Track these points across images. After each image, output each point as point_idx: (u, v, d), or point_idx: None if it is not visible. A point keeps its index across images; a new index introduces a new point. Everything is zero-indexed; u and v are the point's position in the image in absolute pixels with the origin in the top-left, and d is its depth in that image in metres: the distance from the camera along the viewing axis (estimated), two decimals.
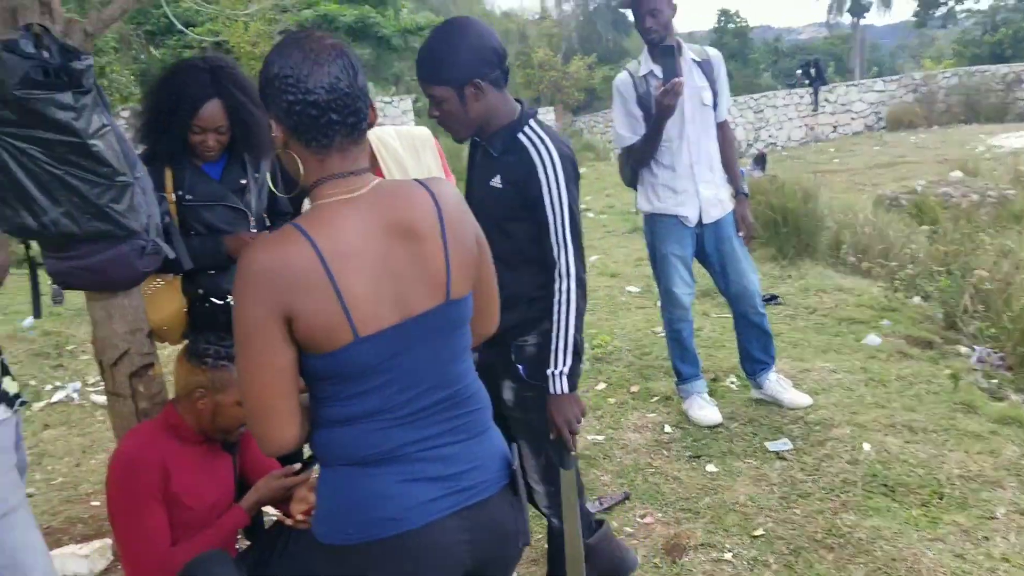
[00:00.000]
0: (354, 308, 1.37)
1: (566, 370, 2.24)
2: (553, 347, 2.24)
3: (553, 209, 2.18)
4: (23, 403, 1.93)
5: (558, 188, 2.18)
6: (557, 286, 2.23)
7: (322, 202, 1.44)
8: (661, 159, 3.85)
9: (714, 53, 3.99)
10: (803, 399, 4.02)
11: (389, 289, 1.41)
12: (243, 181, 2.82)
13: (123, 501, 2.21)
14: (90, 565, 3.15)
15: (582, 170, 14.92)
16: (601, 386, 4.61)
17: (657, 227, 3.97)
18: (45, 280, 2.34)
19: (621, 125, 3.90)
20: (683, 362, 4.06)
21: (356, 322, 1.37)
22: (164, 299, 2.76)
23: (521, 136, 2.22)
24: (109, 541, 3.27)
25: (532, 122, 2.25)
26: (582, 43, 45.53)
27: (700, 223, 3.89)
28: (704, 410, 3.97)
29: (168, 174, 2.73)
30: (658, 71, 3.78)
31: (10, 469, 1.81)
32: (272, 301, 1.34)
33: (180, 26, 15.10)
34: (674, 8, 3.78)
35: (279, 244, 1.37)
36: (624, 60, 40.28)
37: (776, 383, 4.07)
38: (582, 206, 12.31)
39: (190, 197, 2.74)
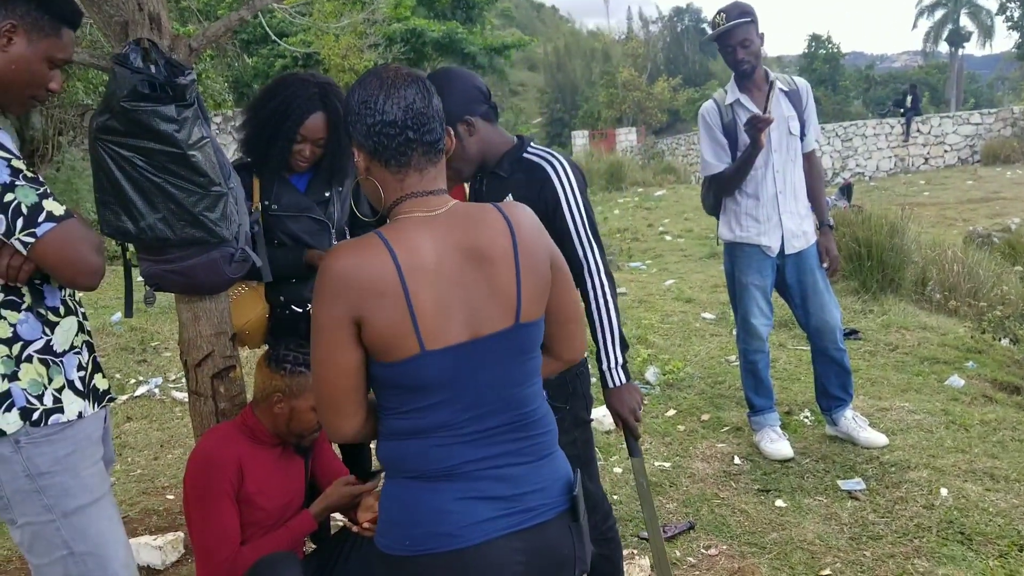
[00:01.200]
0: (423, 321, 1.42)
1: (620, 361, 2.33)
2: (601, 343, 2.33)
3: (571, 212, 2.28)
4: (111, 399, 2.02)
5: (573, 191, 2.28)
6: (589, 284, 2.31)
7: (402, 217, 1.50)
8: (745, 187, 3.82)
9: (802, 83, 3.95)
10: (879, 439, 3.92)
11: (460, 308, 1.45)
12: (327, 194, 2.90)
13: (199, 497, 2.29)
14: (163, 556, 3.26)
15: (661, 192, 14.88)
16: (671, 412, 4.57)
17: (738, 256, 3.93)
18: (137, 280, 2.44)
19: (707, 153, 3.89)
20: (757, 394, 4.00)
21: (424, 335, 1.42)
22: (248, 305, 2.85)
23: (527, 155, 2.35)
24: (182, 535, 3.38)
25: (533, 144, 2.40)
26: (668, 64, 45.34)
27: (782, 253, 3.85)
28: (776, 443, 3.91)
29: (256, 183, 2.83)
30: (745, 100, 3.77)
31: (97, 461, 1.90)
32: (346, 303, 1.41)
33: (274, 36, 15.59)
34: (762, 37, 3.77)
35: (360, 250, 1.44)
36: (709, 83, 40.01)
37: (852, 421, 3.97)
38: (660, 229, 12.27)
39: (276, 207, 2.84)
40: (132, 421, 5.05)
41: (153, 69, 2.15)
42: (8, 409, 1.75)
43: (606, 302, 2.31)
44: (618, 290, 7.36)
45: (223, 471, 2.27)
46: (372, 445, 2.97)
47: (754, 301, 3.90)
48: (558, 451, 1.60)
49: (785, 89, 3.85)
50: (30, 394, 1.77)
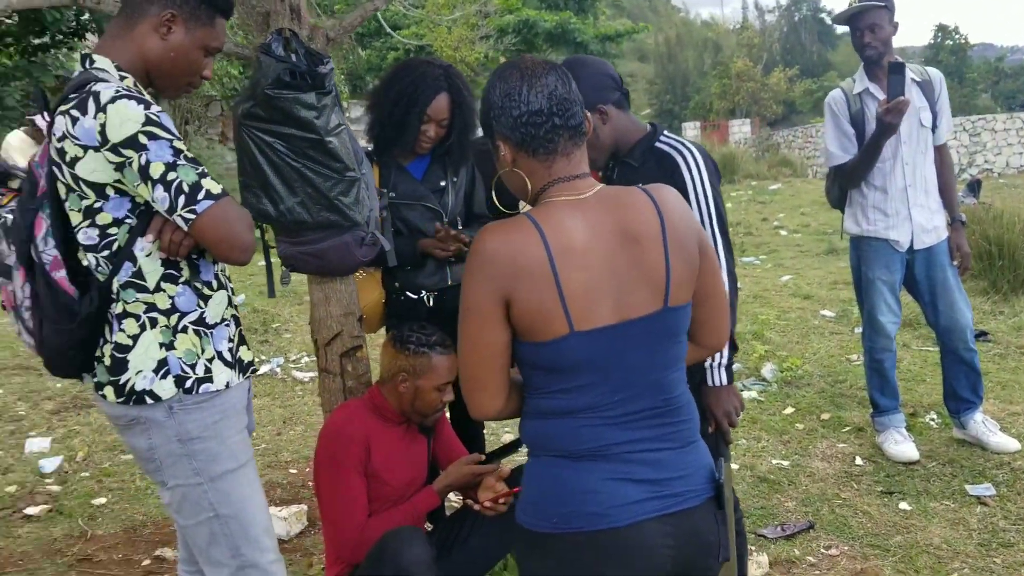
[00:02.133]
0: (572, 302, 1.43)
1: (725, 362, 2.28)
2: None
3: (699, 204, 2.24)
4: (254, 371, 2.12)
5: (702, 183, 2.24)
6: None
7: (551, 200, 1.51)
8: (873, 180, 3.69)
9: (935, 73, 3.80)
10: (1011, 443, 3.73)
11: (609, 290, 1.46)
12: (442, 183, 2.96)
13: (329, 470, 2.38)
14: (287, 527, 3.40)
15: (776, 186, 14.47)
16: (789, 410, 4.46)
17: (865, 250, 3.80)
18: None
19: (832, 143, 3.77)
20: (882, 393, 3.87)
21: (573, 316, 1.43)
22: (365, 289, 2.94)
23: (659, 144, 2.32)
24: (305, 507, 3.52)
25: (666, 133, 2.36)
26: (784, 55, 44.07)
27: (911, 248, 3.71)
28: (900, 445, 3.77)
29: (375, 171, 2.92)
30: (874, 89, 3.65)
31: (241, 429, 2.00)
32: (496, 283, 1.44)
33: (388, 29, 15.90)
34: (895, 26, 3.65)
35: (511, 231, 1.46)
36: (828, 74, 38.75)
37: (982, 424, 3.80)
38: (775, 223, 11.96)
39: (393, 195, 2.91)
40: (256, 398, 5.26)
41: (294, 58, 2.24)
42: (164, 376, 1.85)
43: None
44: None
45: (352, 445, 2.36)
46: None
47: (881, 297, 3.76)
48: (700, 440, 1.59)
49: (917, 79, 3.70)
50: (184, 363, 1.87)
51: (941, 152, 3.77)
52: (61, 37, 13.07)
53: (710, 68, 42.88)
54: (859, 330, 5.94)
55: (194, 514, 1.93)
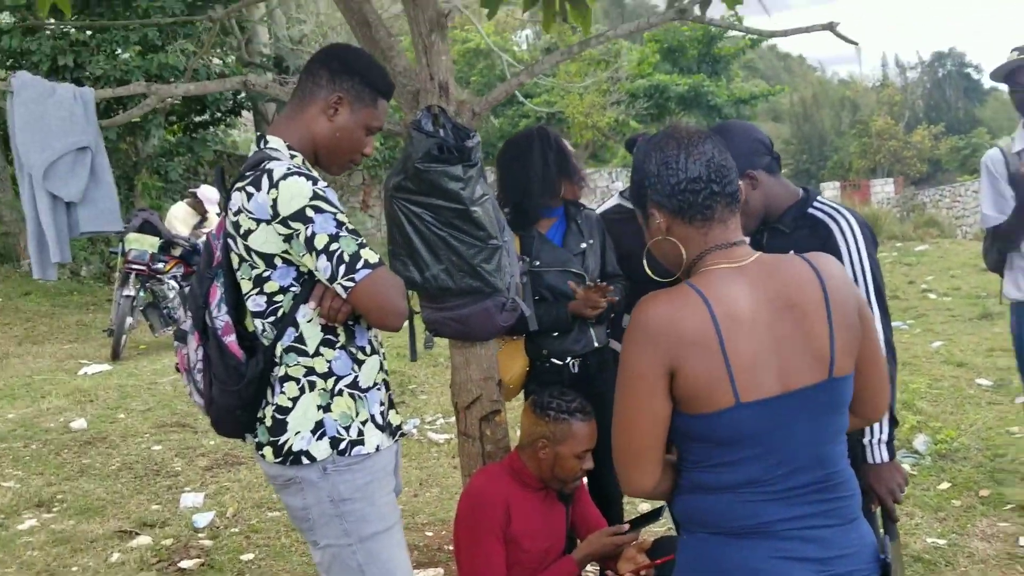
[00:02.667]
0: (738, 372, 1.41)
1: (884, 437, 2.18)
2: None
3: (856, 272, 2.17)
4: (403, 434, 2.18)
5: (859, 251, 2.18)
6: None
7: (710, 268, 1.51)
8: None
9: None
10: None
11: (773, 359, 1.44)
12: (582, 245, 3.01)
13: (469, 533, 2.41)
14: None
15: (923, 247, 13.81)
16: (944, 486, 4.20)
17: None
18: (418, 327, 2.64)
19: (988, 204, 3.59)
20: None
21: (739, 386, 1.41)
22: (510, 358, 2.99)
23: (812, 211, 2.28)
24: (442, 571, 3.55)
25: (821, 198, 2.31)
26: (928, 111, 42.49)
27: None
28: None
29: (516, 241, 3.00)
30: None
31: (390, 492, 2.05)
32: (661, 353, 1.43)
33: (521, 97, 16.32)
34: None
35: (676, 300, 1.46)
36: (976, 130, 37.03)
37: None
38: (923, 286, 11.42)
39: (537, 263, 2.98)
40: None
41: (442, 133, 2.35)
42: (320, 437, 1.93)
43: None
44: None
45: (493, 509, 2.39)
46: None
47: None
48: (862, 516, 1.53)
49: None
50: (340, 425, 1.95)
51: None
52: (220, 115, 14.15)
53: (848, 127, 41.79)
54: (1022, 400, 5.56)
55: (343, 574, 1.98)
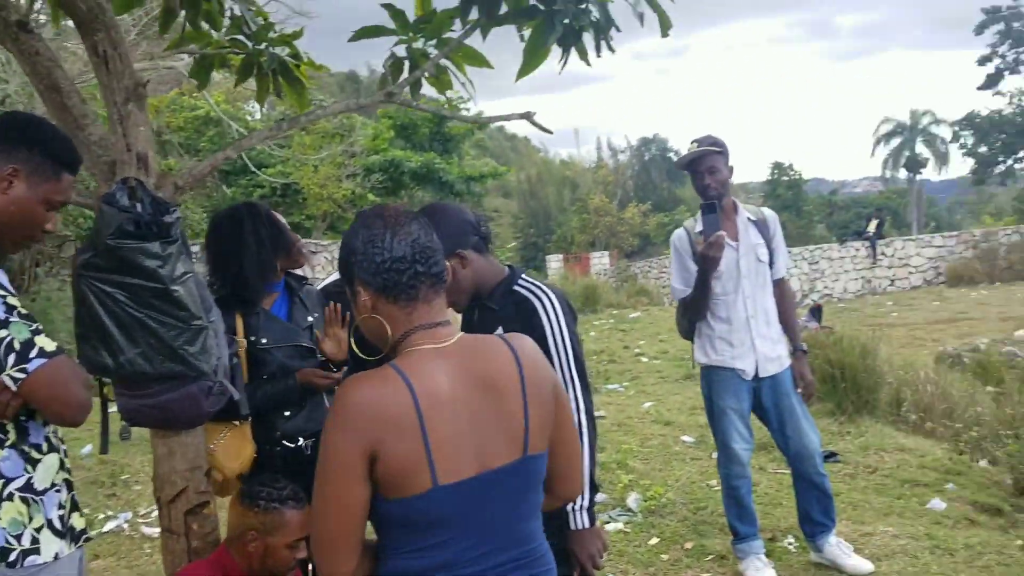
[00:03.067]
0: (437, 455, 1.41)
1: (586, 504, 2.27)
2: None
3: (557, 348, 2.29)
4: (87, 539, 1.97)
5: (560, 328, 2.30)
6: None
7: (414, 349, 1.51)
8: (718, 312, 3.90)
9: (769, 213, 4.08)
10: (865, 565, 3.86)
11: (471, 440, 1.45)
12: (309, 319, 2.94)
13: None
14: None
15: (636, 314, 14.94)
16: (654, 541, 4.48)
17: (714, 380, 3.96)
18: (112, 412, 2.41)
19: (676, 279, 3.99)
20: (740, 520, 3.96)
21: (437, 469, 1.41)
22: (237, 445, 2.79)
23: (517, 288, 2.39)
24: None
25: (524, 276, 2.44)
26: (637, 191, 46.65)
27: (757, 377, 3.88)
28: (761, 572, 3.84)
29: (239, 320, 2.86)
30: None
31: None
32: (360, 437, 1.40)
33: (253, 168, 15.90)
34: (731, 168, 3.93)
35: (377, 381, 1.45)
36: (678, 208, 41.11)
37: (837, 547, 3.93)
38: (636, 350, 12.30)
39: (264, 341, 2.85)
40: (100, 559, 4.86)
41: (139, 207, 2.20)
42: None
43: (582, 441, 2.27)
44: (597, 414, 7.31)
45: None
46: None
47: (732, 425, 3.91)
48: None
49: (753, 219, 3.98)
50: (9, 534, 1.72)
51: (780, 286, 4.03)
52: None
53: (570, 204, 44.81)
54: (716, 456, 6.12)
55: None
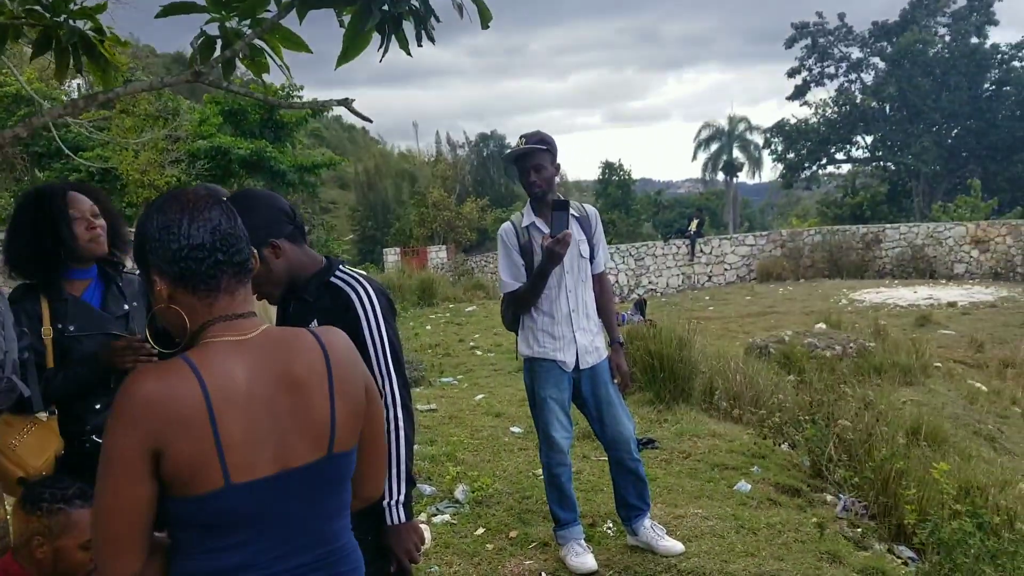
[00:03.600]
0: (229, 452, 1.35)
1: (402, 499, 2.25)
2: (387, 478, 2.25)
3: (373, 341, 2.26)
4: None
5: (376, 320, 2.27)
6: (384, 417, 2.25)
7: (211, 341, 1.43)
8: (541, 306, 3.99)
9: (591, 209, 4.21)
10: (676, 547, 4.06)
11: (269, 438, 1.39)
12: (125, 307, 2.77)
13: None
14: None
15: (471, 308, 15.08)
16: (480, 531, 4.54)
17: (536, 371, 4.06)
18: None
19: (504, 272, 4.05)
20: (561, 507, 4.07)
21: (229, 467, 1.35)
22: (42, 440, 2.58)
23: (334, 280, 2.33)
24: None
25: (342, 267, 2.38)
26: (476, 186, 47.06)
27: (577, 368, 4.01)
28: (580, 557, 3.96)
29: (45, 306, 2.66)
30: (539, 223, 3.99)
31: None
32: (143, 433, 1.32)
33: (68, 151, 14.89)
34: (557, 167, 4.02)
35: (164, 374, 1.36)
36: (515, 204, 41.79)
37: (651, 530, 4.11)
38: (471, 344, 12.41)
39: (72, 328, 2.66)
40: None
41: None
42: None
43: (398, 436, 2.26)
44: (429, 407, 7.31)
45: None
46: None
47: (553, 415, 4.01)
48: None
49: (576, 215, 4.08)
50: None
51: (600, 280, 4.17)
52: None
53: (408, 197, 44.63)
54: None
55: None
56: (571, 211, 4.03)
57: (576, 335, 3.98)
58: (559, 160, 4.05)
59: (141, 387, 1.35)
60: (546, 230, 3.95)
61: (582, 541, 4.06)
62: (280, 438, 1.41)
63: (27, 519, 2.15)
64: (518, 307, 4.06)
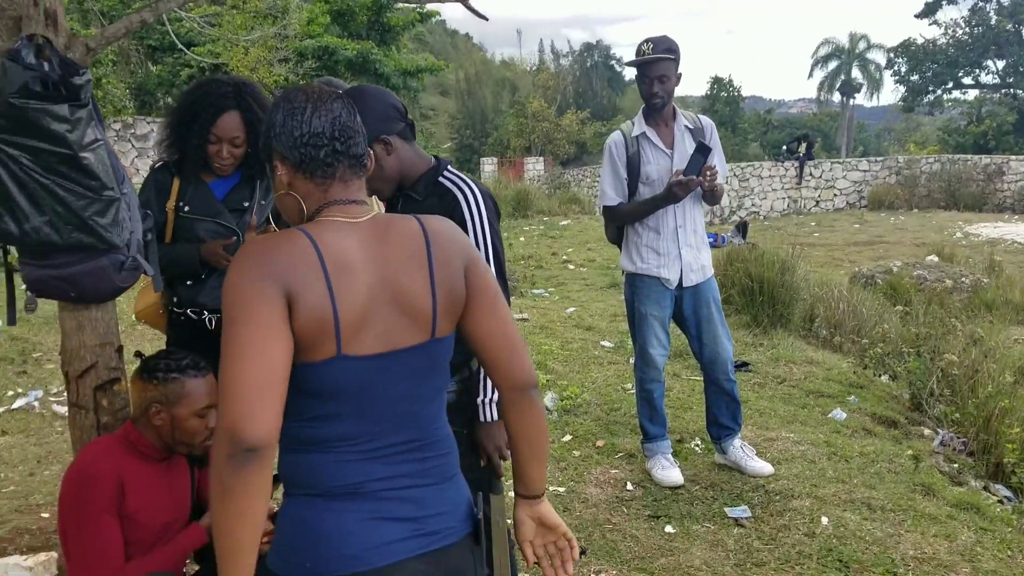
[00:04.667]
0: (344, 323, 1.38)
1: (495, 396, 2.29)
2: (480, 376, 2.29)
3: (477, 243, 2.26)
4: None
5: (481, 223, 2.26)
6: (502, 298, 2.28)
7: (324, 219, 1.47)
8: (647, 220, 3.92)
9: (707, 120, 4.06)
10: (766, 468, 4.04)
11: (377, 317, 1.43)
12: (246, 203, 2.86)
13: (76, 514, 2.18)
14: None
15: (566, 222, 15.00)
16: (567, 438, 4.61)
17: (638, 287, 4.01)
18: (20, 286, 2.33)
19: (608, 184, 3.98)
20: (651, 422, 4.09)
21: (343, 338, 1.38)
22: (144, 292, 2.83)
23: (442, 179, 2.32)
24: (55, 555, 3.21)
25: (450, 168, 2.37)
26: (577, 98, 46.20)
27: (680, 286, 3.95)
28: (667, 471, 3.99)
29: (175, 184, 2.81)
30: (652, 134, 3.89)
31: None
32: (275, 273, 1.35)
33: (181, 45, 15.19)
34: (679, 77, 3.88)
35: (284, 237, 1.41)
36: (616, 118, 40.98)
37: (740, 450, 4.10)
38: (564, 257, 12.39)
39: (188, 209, 2.81)
40: (7, 435, 4.78)
41: (47, 67, 2.08)
42: None
43: None
44: (520, 316, 7.37)
45: (102, 486, 2.17)
46: None
47: (652, 331, 3.99)
48: (459, 473, 1.58)
49: (690, 126, 3.96)
50: None
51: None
52: None
53: (508, 107, 44.22)
54: (633, 360, 6.27)
55: None
56: (685, 122, 3.93)
57: (682, 251, 3.92)
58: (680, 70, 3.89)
59: (262, 243, 1.40)
60: (658, 142, 3.87)
61: (669, 456, 4.08)
62: (386, 318, 1.44)
63: (144, 388, 2.27)
64: (620, 222, 4.00)
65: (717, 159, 3.92)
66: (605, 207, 4.03)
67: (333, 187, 1.50)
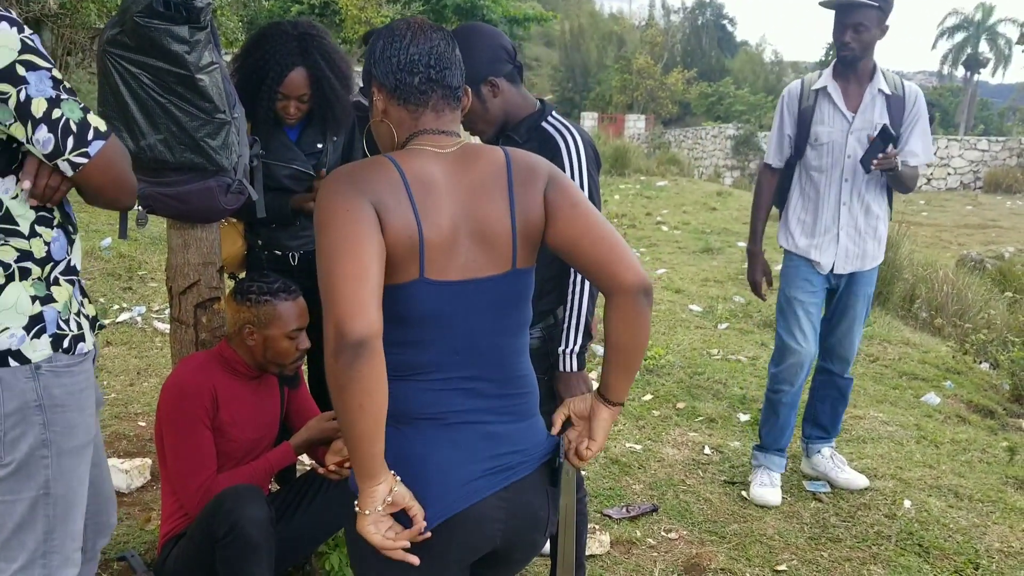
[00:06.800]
0: (428, 245, 1.40)
1: (576, 348, 2.27)
2: (564, 327, 2.27)
3: None
4: (101, 327, 1.96)
5: (580, 171, 2.22)
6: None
7: (412, 148, 1.49)
8: (807, 188, 3.45)
9: (912, 89, 3.40)
10: (859, 480, 3.60)
11: (459, 245, 1.43)
12: (319, 146, 2.86)
13: (174, 422, 2.29)
14: (128, 480, 3.27)
15: (663, 183, 14.77)
16: (648, 397, 4.59)
17: (787, 267, 3.54)
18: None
19: (773, 140, 3.55)
20: (768, 429, 3.58)
21: (426, 259, 1.40)
22: (227, 239, 2.83)
23: (545, 124, 2.28)
24: (149, 461, 3.39)
25: (554, 114, 2.31)
26: (685, 56, 45.06)
27: (833, 271, 3.45)
28: (763, 489, 3.48)
29: (248, 126, 2.80)
30: (832, 89, 3.37)
31: (93, 402, 1.82)
32: (364, 189, 1.37)
33: None
34: (884, 30, 3.30)
35: (371, 162, 1.44)
36: (724, 80, 39.89)
37: (831, 460, 3.66)
38: (658, 219, 12.23)
39: (263, 152, 2.79)
40: (111, 346, 5.04)
41: None
42: (38, 335, 1.64)
43: (582, 289, 2.24)
44: None
45: (198, 398, 2.28)
46: None
47: (795, 319, 3.46)
48: (539, 416, 1.59)
49: (887, 92, 3.34)
50: (62, 319, 1.68)
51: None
52: None
53: (612, 62, 43.48)
54: (723, 326, 6.17)
55: (17, 490, 1.67)
56: (882, 85, 3.34)
57: (840, 233, 3.39)
58: (888, 22, 3.29)
59: (352, 167, 1.43)
60: (840, 101, 3.35)
61: (776, 474, 3.55)
62: (468, 247, 1.44)
63: (238, 309, 2.35)
64: (755, 197, 3.62)
65: (918, 136, 3.36)
66: (763, 166, 3.63)
67: (425, 116, 1.50)
